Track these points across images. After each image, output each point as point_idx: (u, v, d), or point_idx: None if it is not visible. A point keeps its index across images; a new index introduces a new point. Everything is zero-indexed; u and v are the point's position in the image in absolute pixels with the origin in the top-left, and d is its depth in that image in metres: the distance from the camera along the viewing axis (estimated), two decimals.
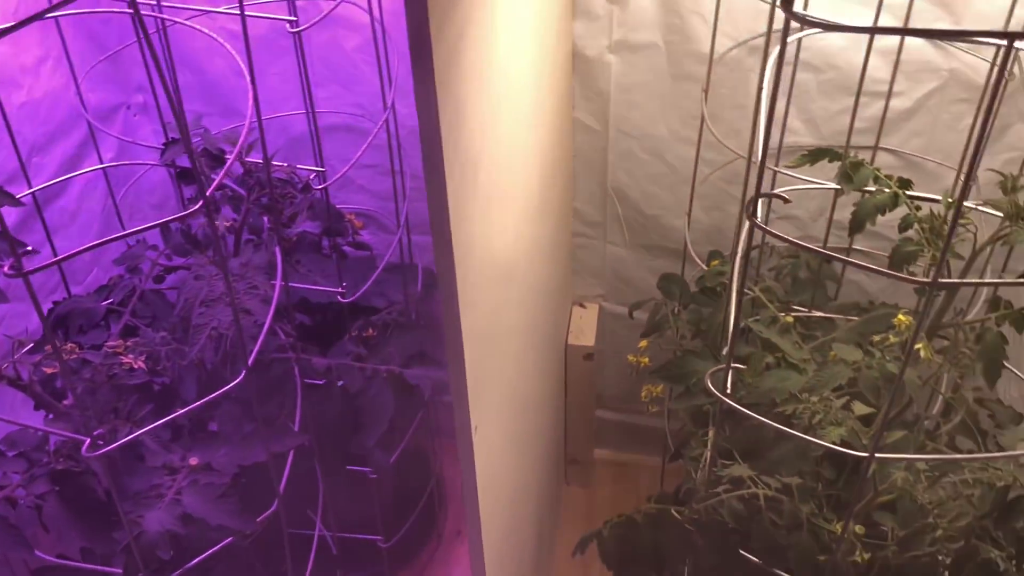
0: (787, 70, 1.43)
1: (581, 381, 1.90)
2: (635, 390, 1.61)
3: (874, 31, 1.37)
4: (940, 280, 0.73)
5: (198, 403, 0.91)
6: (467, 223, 0.88)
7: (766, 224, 1.66)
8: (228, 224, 1.17)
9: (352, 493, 1.55)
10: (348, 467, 1.47)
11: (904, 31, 1.14)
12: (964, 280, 0.98)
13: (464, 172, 0.86)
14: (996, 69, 1.36)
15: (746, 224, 1.13)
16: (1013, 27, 1.34)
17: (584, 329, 1.88)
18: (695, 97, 1.57)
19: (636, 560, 1.22)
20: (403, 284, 1.51)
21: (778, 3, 0.70)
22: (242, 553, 1.29)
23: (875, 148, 1.54)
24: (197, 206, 0.79)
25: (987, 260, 1.39)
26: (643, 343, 1.48)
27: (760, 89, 0.72)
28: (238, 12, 0.93)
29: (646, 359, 1.46)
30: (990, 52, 1.39)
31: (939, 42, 1.46)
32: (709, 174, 1.61)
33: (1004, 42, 0.64)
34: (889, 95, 1.48)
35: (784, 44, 0.71)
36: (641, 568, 1.23)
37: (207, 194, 0.79)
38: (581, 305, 1.94)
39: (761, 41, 1.33)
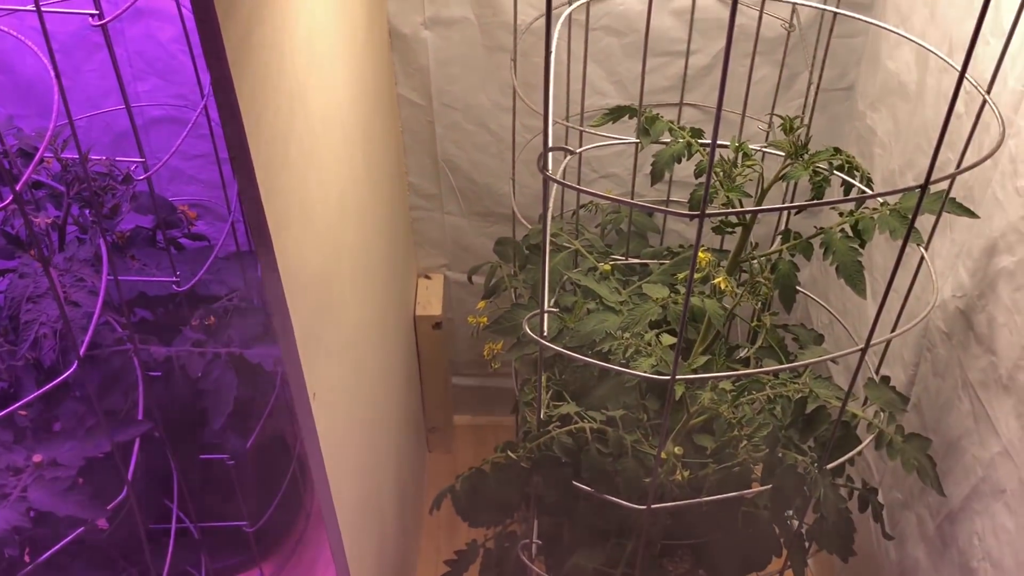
0: (590, 37, 1.51)
1: (433, 350, 1.96)
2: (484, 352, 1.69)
3: None
4: (706, 212, 0.82)
5: (34, 395, 0.92)
6: (282, 194, 0.92)
7: (586, 183, 1.76)
8: (51, 221, 1.17)
9: (213, 481, 1.56)
10: (206, 456, 1.49)
11: None
12: (728, 210, 1.08)
13: (273, 144, 0.89)
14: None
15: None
16: None
17: (431, 299, 1.94)
18: (509, 66, 1.64)
19: (485, 507, 1.29)
20: (241, 269, 1.53)
21: None
22: (101, 546, 1.30)
23: (680, 104, 1.65)
24: (7, 202, 0.81)
25: (783, 198, 1.51)
26: (481, 304, 1.55)
27: (548, 54, 0.79)
28: (34, 9, 0.93)
29: (484, 319, 1.52)
30: (773, 8, 1.51)
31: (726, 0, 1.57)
32: (529, 140, 1.68)
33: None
34: (688, 54, 1.58)
35: (550, 11, 0.77)
36: (491, 513, 1.30)
37: (16, 188, 0.81)
38: (426, 276, 1.99)
39: (565, 9, 1.40)
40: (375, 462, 1.50)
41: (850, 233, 1.18)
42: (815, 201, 1.21)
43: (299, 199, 1.00)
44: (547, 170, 0.90)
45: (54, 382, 0.93)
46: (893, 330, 1.18)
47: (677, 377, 0.92)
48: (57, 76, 0.99)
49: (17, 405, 0.91)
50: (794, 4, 1.44)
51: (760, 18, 1.42)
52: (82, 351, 0.97)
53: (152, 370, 1.34)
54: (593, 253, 1.37)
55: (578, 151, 1.50)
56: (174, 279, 1.34)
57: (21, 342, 1.05)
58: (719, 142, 1.30)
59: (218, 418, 1.29)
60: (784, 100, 1.65)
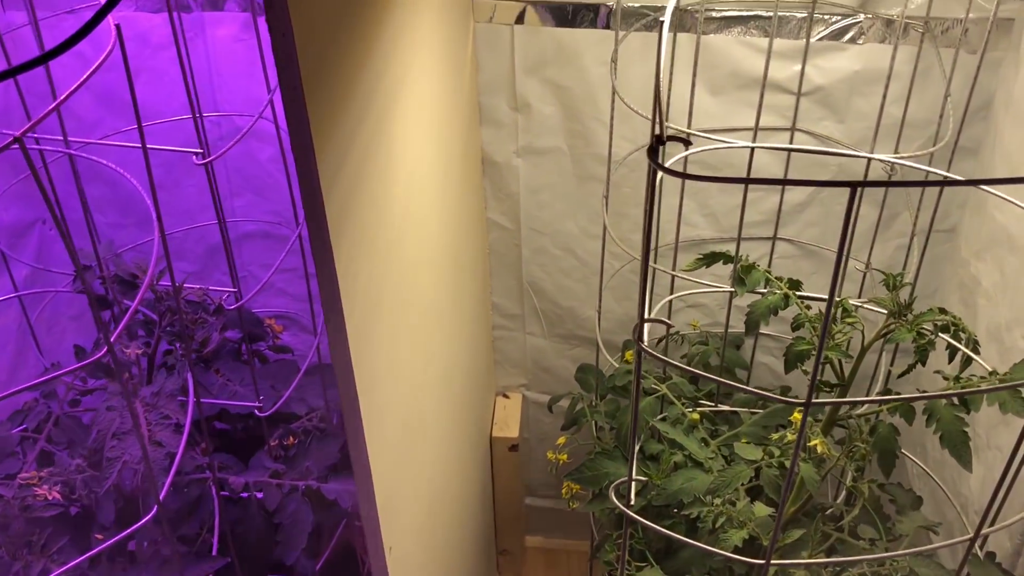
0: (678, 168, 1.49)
1: (508, 472, 1.92)
2: (562, 487, 1.64)
3: (740, 181, 1.44)
4: (813, 400, 0.78)
5: (112, 541, 0.91)
6: (370, 355, 0.91)
7: (674, 313, 1.72)
8: (140, 352, 1.18)
9: None
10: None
11: (769, 181, 1.21)
12: (834, 399, 1.04)
13: (366, 302, 0.89)
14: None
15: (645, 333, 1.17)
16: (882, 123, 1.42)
17: (508, 420, 1.91)
18: (600, 195, 1.63)
19: None
20: (323, 387, 1.52)
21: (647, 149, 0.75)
22: None
23: (774, 239, 1.61)
24: (101, 353, 0.81)
25: (879, 353, 1.46)
26: (561, 439, 1.51)
27: (646, 230, 0.77)
28: (139, 146, 0.95)
29: (564, 456, 1.49)
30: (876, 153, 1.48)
31: (826, 138, 1.55)
32: (618, 268, 1.66)
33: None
34: (783, 190, 1.56)
35: (653, 184, 0.75)
36: None
37: (111, 340, 0.81)
38: (504, 395, 1.97)
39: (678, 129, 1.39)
40: None
41: (955, 401, 1.12)
42: (916, 368, 1.16)
43: (387, 351, 0.99)
44: (643, 341, 0.87)
45: (134, 527, 0.92)
46: (993, 496, 1.11)
47: (774, 562, 0.87)
48: (158, 217, 1.00)
49: (98, 549, 0.90)
50: (893, 162, 1.40)
51: (868, 168, 1.39)
52: (162, 495, 0.96)
53: (229, 498, 1.33)
54: (680, 398, 1.33)
55: (670, 300, 1.47)
56: (256, 404, 1.33)
57: (104, 478, 1.05)
58: (818, 296, 1.26)
59: (292, 553, 1.26)
60: (883, 240, 1.60)
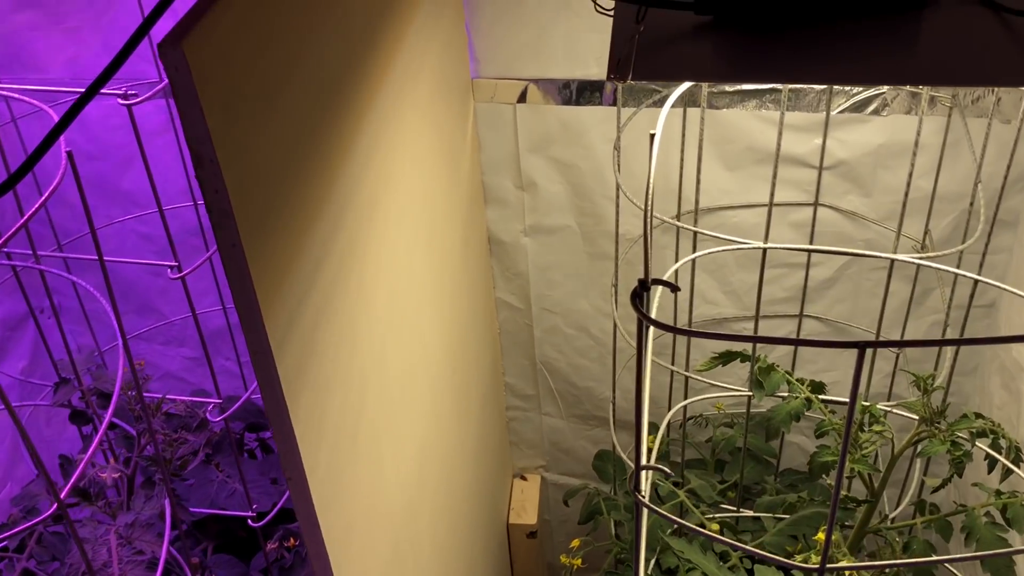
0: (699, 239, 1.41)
1: (527, 558, 1.83)
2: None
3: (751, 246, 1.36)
4: (825, 566, 0.69)
5: None
6: (343, 511, 0.84)
7: (698, 390, 1.63)
8: (117, 476, 1.12)
9: None
10: None
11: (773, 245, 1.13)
12: (852, 565, 0.94)
13: (332, 459, 0.81)
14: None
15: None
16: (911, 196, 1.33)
17: (526, 505, 1.82)
18: (612, 273, 1.55)
19: None
20: None
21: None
22: None
23: (800, 316, 1.52)
24: (71, 480, 0.74)
25: (911, 459, 1.35)
26: (575, 542, 1.42)
27: (639, 361, 0.69)
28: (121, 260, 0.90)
29: (579, 561, 1.39)
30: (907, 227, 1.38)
31: (851, 213, 1.45)
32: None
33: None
34: (808, 267, 1.46)
35: (641, 337, 0.67)
36: None
37: (86, 457, 0.75)
38: (522, 477, 1.88)
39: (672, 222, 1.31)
40: None
41: (996, 518, 1.02)
42: (952, 481, 1.06)
43: (367, 492, 0.92)
44: (639, 491, 0.78)
45: None
46: None
47: None
48: (123, 340, 0.94)
49: None
50: (925, 233, 1.31)
51: (897, 241, 1.30)
52: None
53: None
54: (700, 506, 1.24)
55: (685, 406, 1.38)
56: (250, 514, 1.26)
57: None
58: (840, 399, 1.17)
59: None
60: (916, 317, 1.50)
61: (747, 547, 0.65)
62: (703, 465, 1.54)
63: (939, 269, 1.26)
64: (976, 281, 1.30)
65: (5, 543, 1.24)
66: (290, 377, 0.70)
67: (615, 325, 1.37)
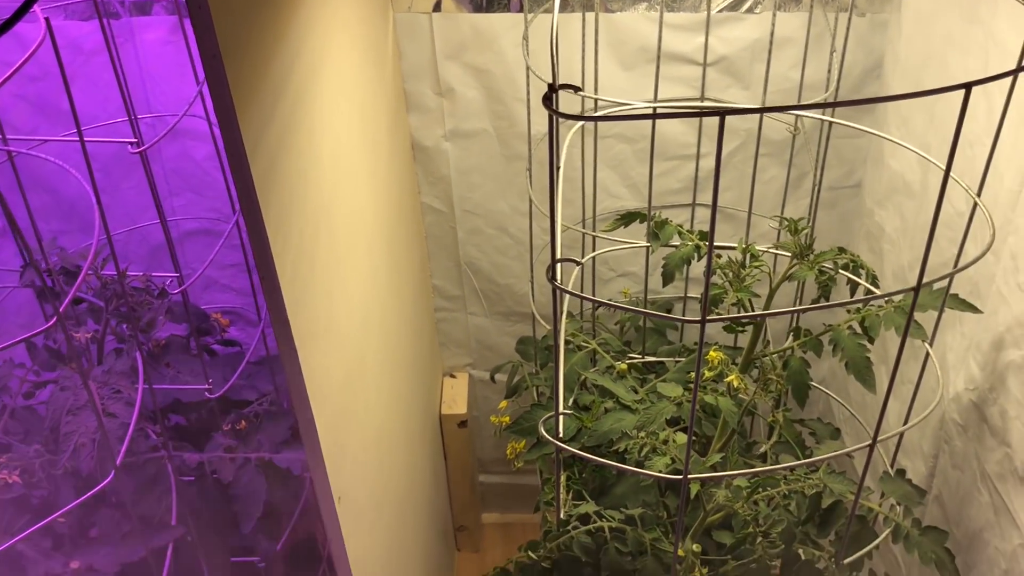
0: (601, 144, 1.58)
1: (459, 449, 1.98)
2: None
3: (625, 118, 1.53)
4: (708, 318, 0.86)
5: (71, 504, 0.97)
6: (307, 310, 0.98)
7: (606, 283, 1.80)
8: (90, 335, 1.23)
9: None
10: (236, 559, 1.51)
11: (623, 118, 1.30)
12: (727, 316, 1.12)
13: (297, 265, 0.95)
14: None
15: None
16: (783, 88, 1.52)
17: (456, 398, 1.97)
18: (526, 172, 1.71)
19: None
20: (271, 374, 1.58)
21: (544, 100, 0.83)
22: None
23: (693, 205, 1.70)
24: (50, 323, 0.86)
25: (795, 295, 1.55)
26: (503, 404, 1.58)
27: (551, 168, 0.84)
28: (77, 139, 1.01)
29: (507, 418, 1.55)
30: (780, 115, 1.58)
31: (733, 104, 1.64)
32: (548, 242, 1.74)
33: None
34: (698, 157, 1.65)
35: (553, 133, 0.83)
36: None
37: (60, 310, 0.87)
38: (451, 375, 2.03)
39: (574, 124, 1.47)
40: (403, 562, 1.52)
41: (858, 330, 1.21)
42: (820, 303, 1.25)
43: (324, 312, 1.06)
44: (556, 279, 0.94)
45: (91, 492, 0.97)
46: (905, 423, 1.20)
47: (690, 476, 0.95)
48: (98, 202, 1.06)
49: (57, 514, 0.95)
50: (796, 113, 1.50)
51: (760, 123, 1.48)
52: (118, 461, 1.01)
53: (185, 475, 1.39)
54: (610, 352, 1.41)
55: (583, 261, 1.56)
56: (206, 387, 1.39)
57: (61, 452, 1.10)
58: (728, 244, 1.35)
59: (248, 522, 1.32)
60: (794, 199, 1.70)
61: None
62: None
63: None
64: (826, 150, 1.49)
65: None
66: (261, 177, 0.84)
67: (531, 205, 1.52)
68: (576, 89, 0.82)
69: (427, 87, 1.65)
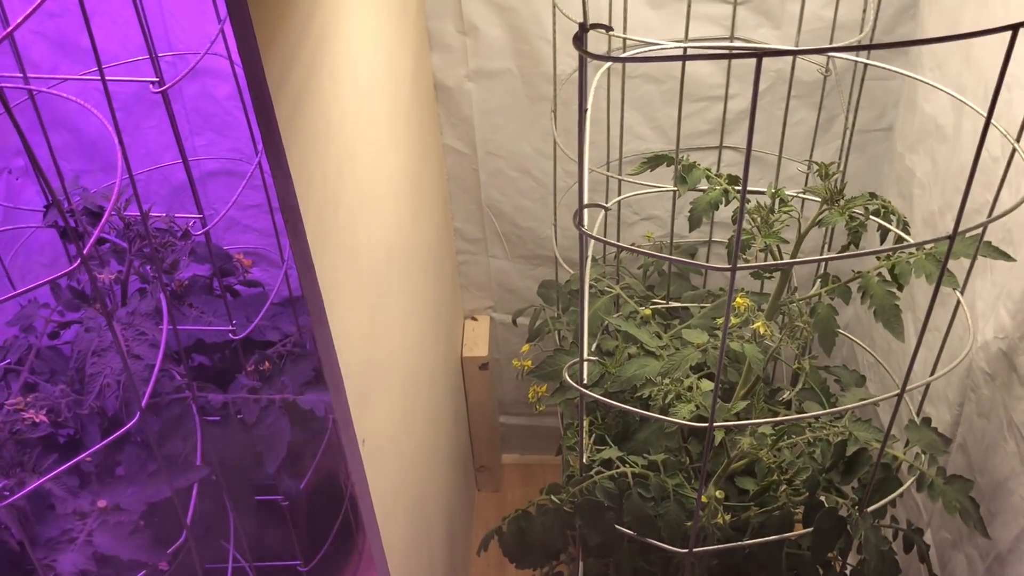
0: (628, 84, 1.55)
1: (480, 391, 1.99)
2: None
3: (654, 59, 1.49)
4: (737, 266, 0.85)
5: (98, 445, 0.97)
6: (331, 253, 0.97)
7: (630, 226, 1.79)
8: (114, 276, 1.23)
9: (268, 522, 1.61)
10: (260, 497, 1.53)
11: (656, 59, 1.27)
12: (760, 264, 1.11)
13: (322, 208, 0.94)
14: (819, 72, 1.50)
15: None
16: (815, 27, 1.48)
17: (477, 341, 1.97)
18: (551, 115, 1.69)
19: (532, 550, 1.31)
20: (294, 315, 1.58)
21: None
22: None
23: (720, 147, 1.67)
24: (75, 264, 0.86)
25: (823, 241, 1.53)
26: (525, 347, 1.58)
27: (580, 110, 0.83)
28: (98, 78, 1.00)
29: (529, 362, 1.55)
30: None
31: (764, 45, 1.60)
32: (571, 185, 1.72)
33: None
34: (726, 98, 1.61)
35: (583, 74, 0.81)
36: (538, 555, 1.32)
37: (84, 251, 0.86)
38: (472, 318, 2.03)
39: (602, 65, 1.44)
40: (424, 502, 1.53)
41: (887, 277, 1.19)
42: (849, 249, 1.23)
43: (348, 255, 1.05)
44: (583, 225, 0.93)
45: (117, 433, 0.98)
46: (932, 372, 1.19)
47: (715, 424, 0.95)
48: (120, 143, 1.05)
49: (83, 455, 0.96)
50: (828, 53, 1.46)
51: (793, 65, 1.45)
52: (144, 402, 1.02)
53: (209, 415, 1.40)
54: (634, 297, 1.40)
55: (610, 206, 1.54)
56: (230, 328, 1.39)
57: (87, 393, 1.11)
58: (757, 189, 1.33)
59: (272, 462, 1.33)
60: (823, 142, 1.67)
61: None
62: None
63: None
64: (860, 91, 1.45)
65: (8, 360, 1.35)
66: (285, 119, 0.82)
67: (555, 147, 1.50)
68: (607, 29, 0.80)
69: (450, 25, 1.61)
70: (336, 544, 1.86)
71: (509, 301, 2.00)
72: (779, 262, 0.92)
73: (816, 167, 1.23)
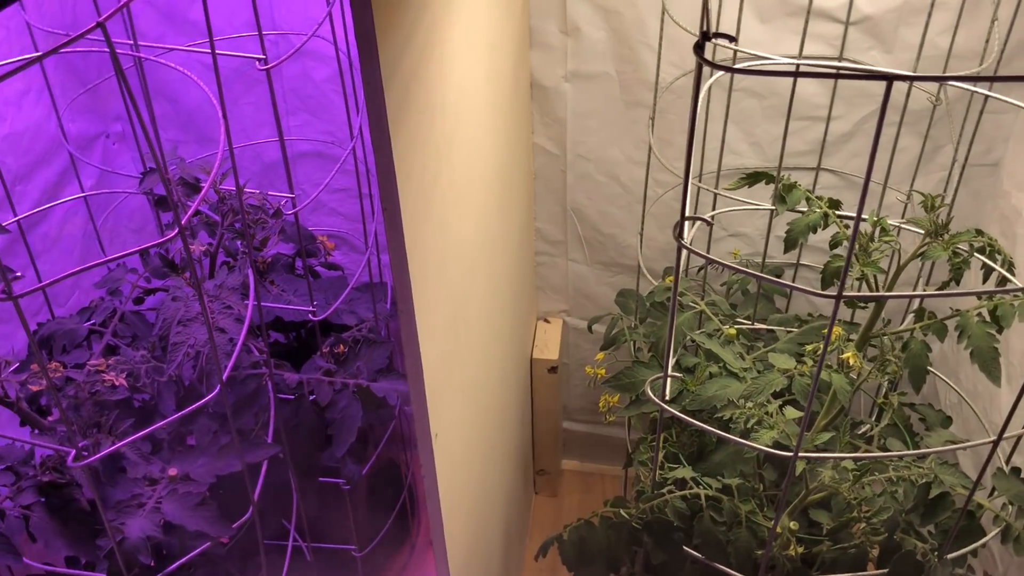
0: (724, 97, 1.52)
1: (546, 393, 1.97)
2: (598, 402, 1.69)
3: (768, 73, 1.46)
4: (844, 294, 0.82)
5: (176, 415, 0.98)
6: (422, 245, 0.96)
7: (715, 242, 1.75)
8: (204, 248, 1.24)
9: (327, 503, 1.62)
10: (322, 479, 1.54)
11: (788, 74, 1.23)
12: (867, 294, 1.07)
13: (418, 199, 0.94)
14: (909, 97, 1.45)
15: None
16: (929, 55, 1.44)
17: (548, 343, 1.96)
18: (647, 123, 1.66)
19: (592, 560, 1.29)
20: (372, 302, 1.58)
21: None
22: (219, 560, 1.35)
23: (817, 169, 1.63)
24: (173, 234, 0.86)
25: (919, 274, 1.48)
26: (600, 355, 1.56)
27: (691, 120, 0.80)
28: (209, 51, 1.00)
29: (603, 371, 1.53)
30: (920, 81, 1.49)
31: (874, 68, 1.56)
32: (661, 195, 1.69)
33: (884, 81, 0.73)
34: (828, 119, 1.57)
35: (698, 85, 0.79)
36: (597, 568, 1.30)
37: (182, 223, 0.87)
38: (545, 320, 2.02)
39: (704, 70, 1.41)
40: (485, 501, 1.52)
41: (987, 318, 1.15)
42: (950, 286, 1.18)
43: (438, 249, 1.04)
44: (683, 238, 0.91)
45: (197, 404, 0.98)
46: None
47: (800, 455, 0.92)
48: (224, 117, 1.05)
49: (164, 422, 0.97)
50: (944, 81, 1.41)
51: (909, 91, 1.40)
52: (224, 376, 1.02)
53: (283, 393, 1.40)
54: (718, 315, 1.37)
55: (711, 216, 1.51)
56: (311, 308, 1.40)
57: (168, 362, 1.12)
58: (853, 214, 1.29)
59: (341, 446, 1.33)
60: (925, 172, 1.61)
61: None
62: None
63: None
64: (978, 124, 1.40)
65: (92, 321, 1.38)
66: (394, 108, 0.82)
67: (650, 153, 1.47)
68: (731, 39, 0.77)
69: (553, 24, 1.60)
70: (390, 533, 1.87)
71: (584, 306, 1.98)
72: (885, 294, 0.89)
73: (921, 198, 1.19)
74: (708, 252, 1.64)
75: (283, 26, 1.65)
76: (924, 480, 1.13)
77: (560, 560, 1.36)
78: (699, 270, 1.70)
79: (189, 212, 0.98)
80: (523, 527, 2.06)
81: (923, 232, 1.19)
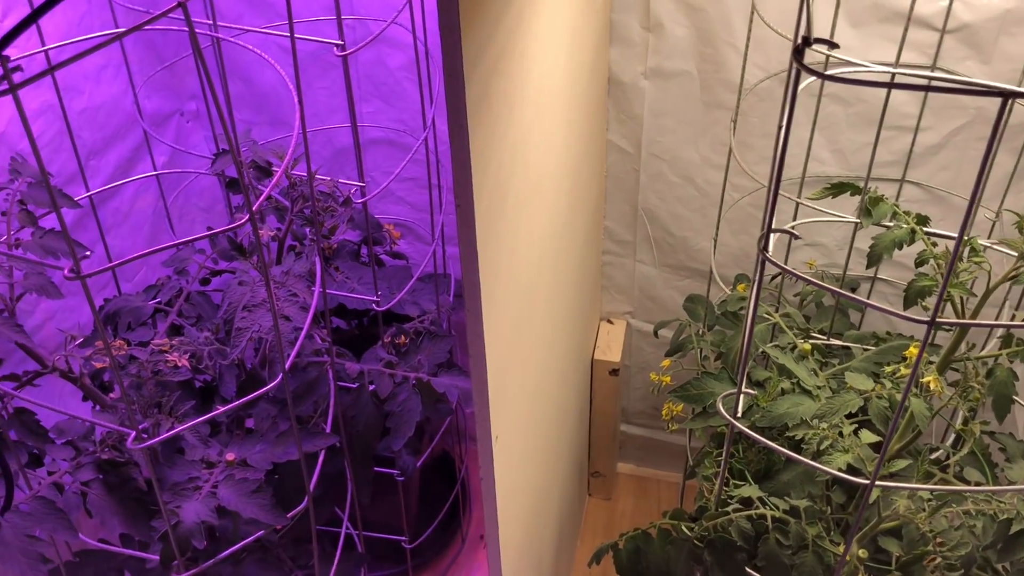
0: (812, 103, 1.47)
1: (606, 395, 1.94)
2: (659, 407, 1.65)
3: (864, 84, 1.40)
4: (938, 319, 0.77)
5: (238, 402, 0.97)
6: (494, 243, 0.94)
7: (791, 251, 1.70)
8: (272, 233, 1.23)
9: (379, 493, 1.61)
10: (376, 469, 1.53)
11: (894, 86, 1.18)
12: (961, 321, 1.02)
13: (492, 195, 0.91)
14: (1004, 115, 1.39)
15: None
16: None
17: (611, 345, 1.92)
18: (726, 124, 1.61)
19: (647, 573, 1.26)
20: (436, 294, 1.56)
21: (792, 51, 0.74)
22: (272, 547, 1.35)
23: (902, 181, 1.57)
24: (244, 220, 0.85)
25: (1005, 297, 1.42)
26: (666, 362, 1.52)
27: (780, 127, 0.76)
28: (287, 35, 0.99)
29: (668, 378, 1.50)
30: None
31: (969, 79, 1.49)
32: (737, 199, 1.65)
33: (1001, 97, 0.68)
34: (916, 130, 1.51)
35: (795, 91, 0.75)
36: None
37: (254, 208, 0.85)
38: (609, 321, 1.98)
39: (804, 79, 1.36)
40: (540, 502, 1.50)
41: None
42: None
43: (509, 246, 1.02)
44: (767, 250, 0.87)
45: (259, 391, 0.97)
46: None
47: (876, 483, 0.87)
48: (300, 102, 1.04)
49: (227, 408, 0.96)
50: None
51: (1011, 107, 1.34)
52: (287, 364, 1.01)
53: (343, 380, 1.39)
54: (793, 328, 1.32)
55: (793, 227, 1.46)
56: (375, 298, 1.38)
57: (232, 347, 1.11)
58: (945, 233, 1.23)
59: (399, 440, 1.32)
60: (1016, 190, 1.54)
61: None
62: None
63: None
64: None
65: (158, 299, 1.38)
66: (474, 101, 0.79)
67: (730, 155, 1.43)
68: (832, 45, 0.73)
69: (635, 20, 1.56)
70: (442, 527, 1.85)
71: (649, 309, 1.94)
72: (980, 322, 0.83)
73: (1017, 218, 1.13)
74: (785, 262, 1.59)
75: (361, 11, 1.63)
76: (1005, 516, 1.07)
77: (614, 568, 1.33)
78: (772, 279, 1.65)
79: (261, 198, 0.97)
80: (575, 529, 2.03)
81: (1016, 254, 1.13)
